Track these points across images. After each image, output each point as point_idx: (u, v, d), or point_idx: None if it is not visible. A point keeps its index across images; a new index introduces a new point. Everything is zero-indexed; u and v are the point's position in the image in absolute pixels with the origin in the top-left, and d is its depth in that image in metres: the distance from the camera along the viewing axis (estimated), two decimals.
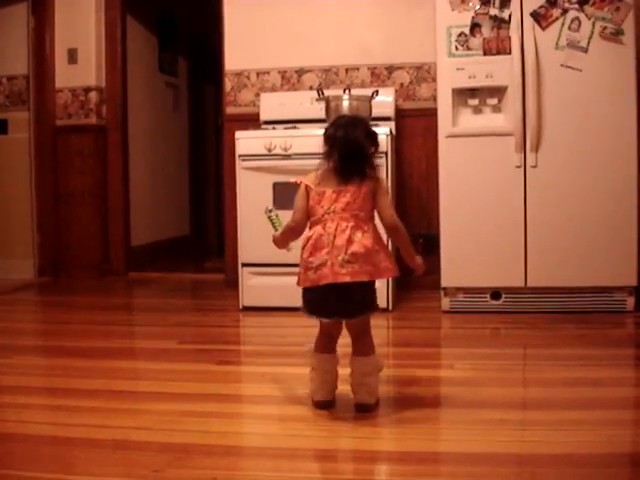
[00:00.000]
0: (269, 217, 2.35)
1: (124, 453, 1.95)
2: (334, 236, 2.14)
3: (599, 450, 1.88)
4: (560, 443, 1.93)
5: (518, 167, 3.64)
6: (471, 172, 3.69)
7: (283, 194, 3.85)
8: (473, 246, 3.71)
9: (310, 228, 2.21)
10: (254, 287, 3.98)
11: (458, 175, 3.71)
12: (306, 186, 2.22)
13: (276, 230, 2.32)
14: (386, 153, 3.78)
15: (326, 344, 2.26)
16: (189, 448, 1.96)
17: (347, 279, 2.11)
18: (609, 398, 2.34)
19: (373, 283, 2.22)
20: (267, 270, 3.92)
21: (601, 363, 2.78)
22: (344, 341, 2.27)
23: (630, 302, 3.63)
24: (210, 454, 1.92)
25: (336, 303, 2.16)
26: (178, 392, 2.50)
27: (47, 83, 5.31)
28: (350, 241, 2.13)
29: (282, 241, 2.30)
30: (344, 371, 2.26)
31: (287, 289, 3.75)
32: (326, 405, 2.25)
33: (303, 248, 2.20)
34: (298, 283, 2.23)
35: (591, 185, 3.61)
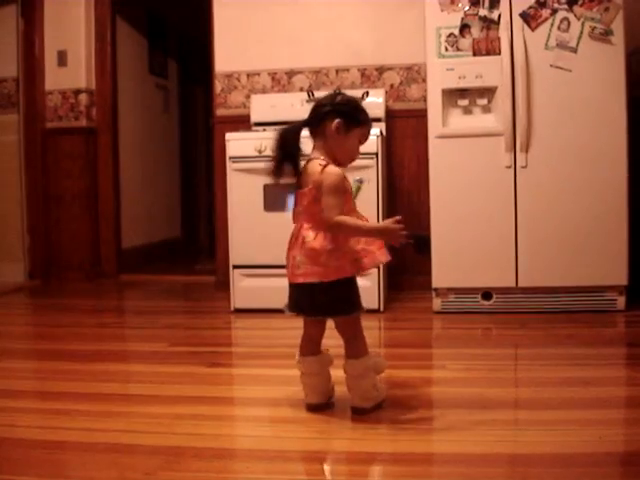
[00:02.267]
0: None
1: (115, 456, 1.95)
2: (295, 237, 2.19)
3: (590, 449, 1.88)
4: (552, 443, 1.93)
5: (508, 167, 3.65)
6: (461, 172, 3.70)
7: (274, 196, 3.85)
8: (464, 247, 3.72)
9: None
10: (245, 289, 3.97)
11: (448, 176, 3.72)
12: None
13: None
14: (376, 154, 3.78)
15: (308, 346, 2.26)
16: (181, 451, 1.95)
17: (300, 280, 2.15)
18: (600, 397, 2.34)
19: (335, 285, 2.14)
20: (258, 272, 3.92)
21: (592, 362, 2.79)
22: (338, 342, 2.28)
23: (621, 301, 3.65)
24: (202, 457, 1.91)
25: (298, 301, 2.20)
26: (169, 395, 2.50)
27: (37, 85, 5.30)
28: (303, 242, 2.14)
29: None
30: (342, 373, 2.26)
31: (278, 291, 3.76)
32: (318, 408, 2.25)
33: None
34: None
35: (581, 185, 3.62)
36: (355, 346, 2.22)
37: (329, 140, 2.21)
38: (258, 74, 4.75)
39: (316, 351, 2.26)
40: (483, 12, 3.64)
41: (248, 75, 4.76)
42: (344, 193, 2.16)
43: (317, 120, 2.22)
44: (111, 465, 1.89)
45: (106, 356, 3.11)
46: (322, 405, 2.26)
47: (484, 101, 3.70)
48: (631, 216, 3.61)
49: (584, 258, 3.63)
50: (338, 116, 2.20)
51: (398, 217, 2.11)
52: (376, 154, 3.77)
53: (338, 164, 2.21)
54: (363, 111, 2.27)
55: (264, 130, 4.15)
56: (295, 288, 2.20)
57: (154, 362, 3.00)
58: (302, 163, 2.22)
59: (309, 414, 2.22)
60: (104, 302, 4.72)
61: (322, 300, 2.15)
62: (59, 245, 5.36)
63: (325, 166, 2.15)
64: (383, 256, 2.20)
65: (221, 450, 1.98)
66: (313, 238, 2.13)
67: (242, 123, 4.52)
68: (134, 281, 5.35)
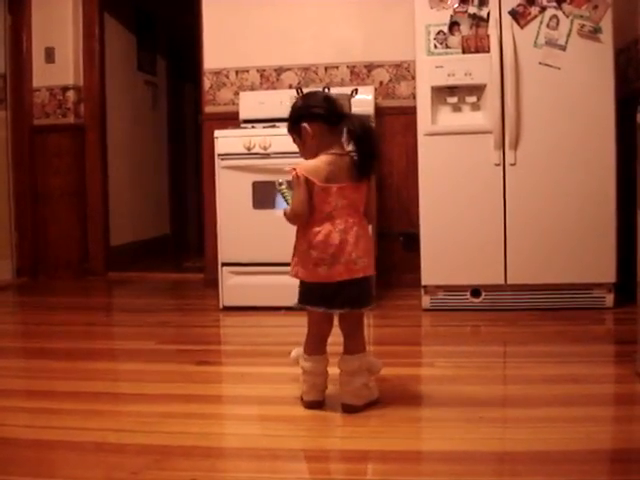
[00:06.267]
0: (280, 191, 2.27)
1: (103, 455, 1.94)
2: (345, 232, 2.16)
3: (578, 447, 1.89)
4: (540, 440, 1.93)
5: (497, 165, 3.65)
6: (450, 170, 3.70)
7: (263, 193, 3.85)
8: (453, 244, 3.72)
9: (317, 224, 2.17)
10: (234, 287, 3.96)
11: (438, 173, 3.71)
12: (306, 179, 2.15)
13: (289, 204, 2.23)
14: None
15: (317, 345, 2.26)
16: (169, 450, 1.94)
17: (361, 274, 2.18)
18: (588, 395, 2.35)
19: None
20: (247, 270, 3.91)
21: (581, 360, 2.79)
22: (336, 340, 2.28)
23: (609, 299, 3.65)
24: (190, 456, 1.91)
25: (350, 295, 2.18)
26: (158, 393, 2.49)
27: (24, 82, 5.27)
28: (359, 237, 2.17)
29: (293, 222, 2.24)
30: (335, 370, 2.26)
31: (267, 288, 3.78)
32: (316, 405, 2.25)
33: (309, 243, 2.17)
34: (300, 277, 2.22)
35: (570, 182, 3.62)
36: (358, 341, 2.26)
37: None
38: (247, 71, 4.74)
39: (323, 350, 2.27)
40: (472, 9, 3.64)
41: (237, 72, 4.75)
42: None
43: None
44: (98, 464, 1.88)
45: (94, 354, 3.10)
46: (320, 402, 2.26)
47: (473, 98, 3.70)
48: (620, 213, 3.61)
49: (573, 255, 3.63)
50: None
51: None
52: None
53: None
54: None
55: (253, 127, 4.13)
56: (345, 284, 2.17)
57: (142, 360, 2.99)
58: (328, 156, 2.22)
59: (298, 412, 2.22)
60: (92, 300, 4.70)
61: (370, 291, 2.25)
62: (47, 242, 5.34)
63: None
64: None
65: (209, 449, 1.98)
66: (365, 233, 2.22)
67: (231, 120, 4.50)
68: (122, 279, 5.33)
